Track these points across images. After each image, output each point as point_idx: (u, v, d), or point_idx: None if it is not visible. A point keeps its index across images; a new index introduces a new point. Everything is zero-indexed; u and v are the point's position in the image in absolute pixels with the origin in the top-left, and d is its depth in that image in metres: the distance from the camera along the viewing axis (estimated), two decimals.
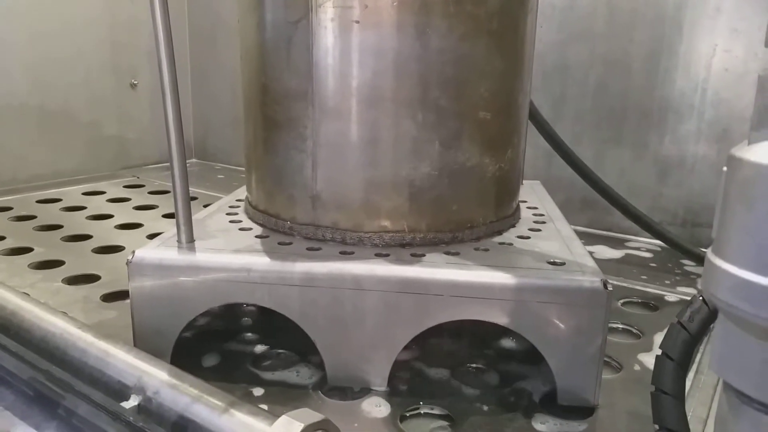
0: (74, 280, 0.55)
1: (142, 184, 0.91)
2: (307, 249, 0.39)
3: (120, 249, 0.63)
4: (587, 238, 0.70)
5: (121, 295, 0.51)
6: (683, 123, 0.66)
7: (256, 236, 0.42)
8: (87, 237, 0.67)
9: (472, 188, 0.42)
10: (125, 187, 0.90)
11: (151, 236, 0.68)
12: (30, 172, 0.88)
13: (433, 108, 0.39)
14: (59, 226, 0.70)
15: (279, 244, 0.41)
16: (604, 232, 0.72)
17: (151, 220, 0.73)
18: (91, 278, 0.55)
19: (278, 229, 0.43)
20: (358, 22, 0.38)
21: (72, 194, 0.84)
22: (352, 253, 0.39)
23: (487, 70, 0.41)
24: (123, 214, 0.76)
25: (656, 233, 0.61)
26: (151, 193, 0.87)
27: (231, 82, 1.03)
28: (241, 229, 0.44)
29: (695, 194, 0.67)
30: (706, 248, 0.59)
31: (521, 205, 0.51)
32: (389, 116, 0.39)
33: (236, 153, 1.06)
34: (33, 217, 0.73)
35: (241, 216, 0.47)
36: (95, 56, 0.94)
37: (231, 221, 0.46)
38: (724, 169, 0.17)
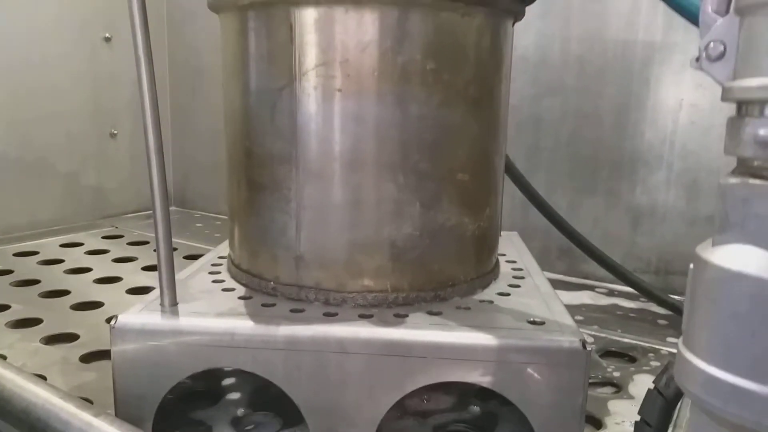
0: (52, 339, 0.54)
1: (121, 234, 0.91)
2: (291, 311, 0.40)
3: (99, 305, 0.63)
4: (565, 286, 0.72)
5: (100, 355, 0.51)
6: (653, 174, 0.69)
7: (240, 297, 0.42)
8: (65, 293, 0.66)
9: (453, 247, 0.43)
10: (104, 237, 0.89)
11: (131, 291, 0.68)
12: (7, 222, 0.87)
13: (413, 171, 0.40)
14: (36, 281, 0.69)
15: (262, 305, 0.41)
16: (582, 280, 0.73)
17: (130, 274, 0.73)
18: (69, 337, 0.55)
19: (261, 289, 0.43)
20: (340, 90, 0.39)
21: (49, 246, 0.83)
22: (336, 314, 0.39)
23: (464, 135, 0.42)
24: (101, 267, 0.75)
25: (631, 283, 0.63)
26: (130, 244, 0.86)
27: (211, 130, 1.04)
28: (224, 290, 0.44)
29: (667, 242, 0.69)
30: (680, 296, 0.60)
31: (500, 258, 0.52)
32: (371, 179, 0.40)
33: (215, 201, 1.07)
34: (10, 272, 0.72)
35: (224, 275, 0.47)
36: (75, 106, 0.95)
37: (214, 281, 0.46)
38: (691, 266, 0.18)
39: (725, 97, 0.20)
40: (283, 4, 0.39)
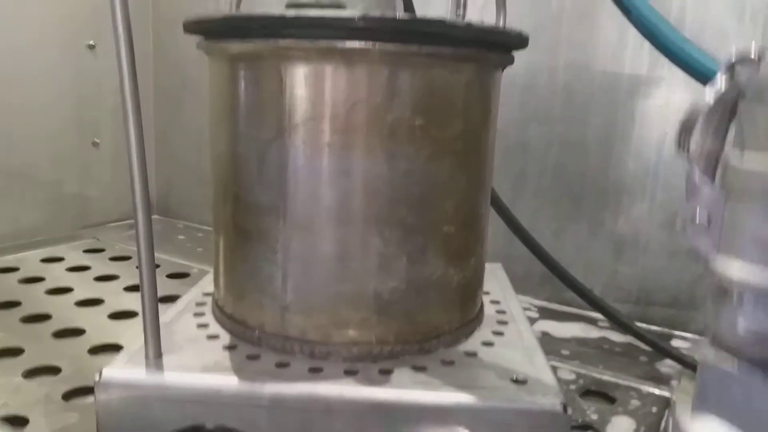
0: (34, 373, 0.54)
1: (103, 248, 0.90)
2: (276, 365, 0.40)
3: (81, 332, 0.62)
4: (546, 313, 0.72)
5: (83, 391, 0.51)
6: (636, 204, 0.69)
7: (225, 347, 0.42)
8: (46, 317, 0.65)
9: (438, 299, 0.43)
10: (85, 252, 0.88)
11: (113, 315, 0.67)
12: None
13: (400, 225, 0.41)
14: (17, 303, 0.68)
15: (248, 357, 0.41)
16: (564, 307, 0.74)
17: (112, 295, 0.72)
18: (51, 370, 0.54)
19: (246, 338, 0.43)
20: (329, 145, 0.39)
21: (30, 261, 0.82)
22: (321, 369, 0.40)
23: (451, 188, 0.42)
24: (83, 286, 0.75)
25: (610, 316, 0.64)
26: (112, 259, 0.85)
27: (195, 140, 1.04)
28: (209, 337, 0.44)
29: (648, 273, 0.70)
30: (658, 326, 0.61)
31: (485, 298, 0.53)
32: (358, 233, 0.40)
33: (199, 211, 1.06)
34: None
35: (209, 317, 0.47)
36: (58, 114, 0.93)
37: (199, 325, 0.46)
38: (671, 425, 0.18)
39: (709, 275, 0.20)
40: (273, 59, 0.38)
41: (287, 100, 0.39)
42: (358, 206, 0.40)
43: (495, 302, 0.53)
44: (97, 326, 0.64)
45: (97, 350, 0.60)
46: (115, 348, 0.60)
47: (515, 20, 0.72)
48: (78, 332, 0.63)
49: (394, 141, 0.39)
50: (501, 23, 0.55)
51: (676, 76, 0.59)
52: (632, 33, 0.56)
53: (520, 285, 0.73)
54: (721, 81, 0.24)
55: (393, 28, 0.36)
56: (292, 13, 0.35)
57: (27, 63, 0.89)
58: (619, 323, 0.64)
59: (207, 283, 0.54)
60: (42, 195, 0.93)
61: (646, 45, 0.64)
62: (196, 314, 0.48)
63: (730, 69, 0.25)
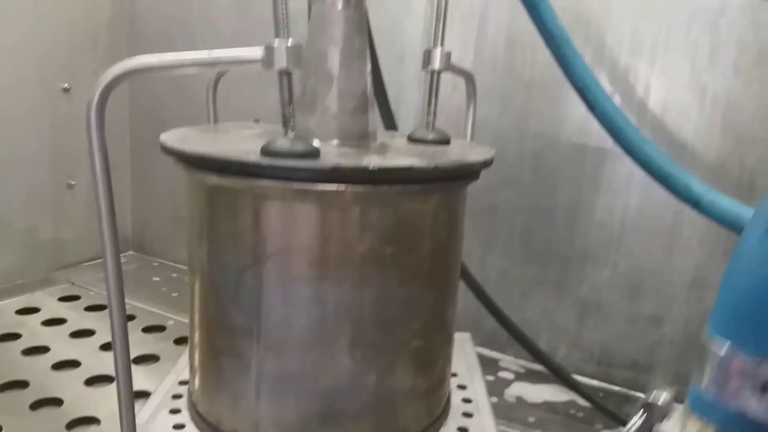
0: None
1: (78, 295, 0.90)
2: None
3: (59, 403, 0.64)
4: (520, 376, 0.75)
5: None
6: (600, 272, 0.72)
7: None
8: (24, 384, 0.66)
9: (407, 406, 0.45)
10: (60, 300, 0.89)
11: (89, 381, 0.68)
12: None
13: (370, 346, 0.42)
14: None
15: None
16: (529, 364, 0.76)
17: (88, 355, 0.73)
18: None
19: None
20: (302, 274, 0.41)
21: (6, 314, 0.83)
22: None
23: (420, 306, 0.44)
24: (59, 343, 0.76)
25: (571, 386, 0.67)
26: (87, 308, 0.86)
27: (172, 177, 1.04)
28: None
29: (610, 337, 0.73)
30: (619, 387, 0.64)
31: (452, 379, 0.55)
32: (329, 355, 0.42)
33: (174, 250, 1.07)
34: None
35: (184, 415, 0.49)
36: (33, 157, 0.93)
37: (175, 426, 0.47)
38: None
39: None
40: (249, 194, 0.40)
41: (262, 232, 0.40)
42: (330, 330, 0.42)
43: (462, 387, 0.56)
44: (75, 395, 0.65)
45: (74, 424, 0.61)
46: (93, 421, 0.61)
47: (487, 91, 0.75)
48: (56, 402, 0.64)
49: (364, 270, 0.41)
50: (471, 115, 0.57)
51: None
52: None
53: (489, 340, 0.76)
54: (636, 420, 0.26)
55: (366, 176, 0.37)
56: (267, 161, 0.37)
57: (5, 107, 0.88)
58: (579, 393, 0.67)
59: (182, 368, 0.56)
60: (17, 240, 0.93)
61: None
62: (172, 410, 0.49)
63: (646, 408, 0.28)
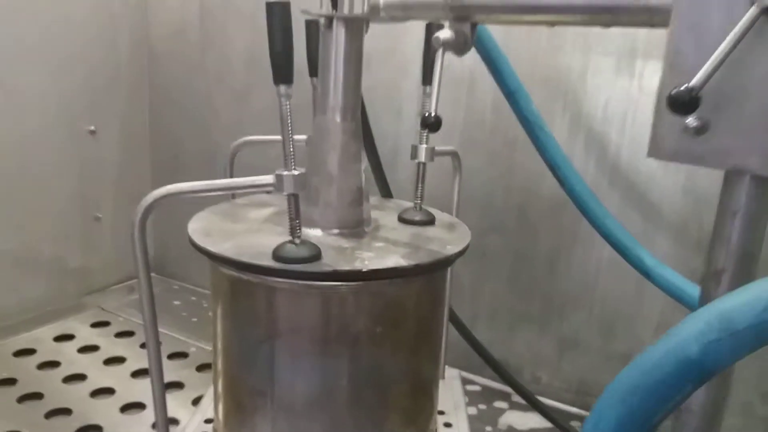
0: None
1: (108, 320, 1.00)
2: None
3: (98, 429, 0.73)
4: (515, 405, 0.83)
5: None
6: (577, 313, 0.80)
7: None
8: (67, 412, 0.76)
9: None
10: (92, 326, 0.98)
11: (124, 408, 0.78)
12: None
13: (365, 406, 0.51)
14: (39, 396, 0.79)
15: None
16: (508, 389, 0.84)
17: (121, 382, 0.82)
18: None
19: None
20: (308, 349, 0.49)
21: (45, 341, 0.92)
22: None
23: (408, 370, 0.53)
24: (95, 371, 0.85)
25: (552, 420, 0.75)
26: (117, 335, 0.95)
27: (192, 205, 1.12)
28: None
29: (587, 371, 0.81)
30: None
31: (439, 418, 0.64)
32: (330, 413, 0.51)
33: (193, 273, 1.16)
34: (13, 381, 0.81)
35: None
36: (62, 195, 1.02)
37: None
38: None
39: None
40: (263, 287, 0.48)
41: (274, 315, 0.49)
42: (331, 394, 0.50)
43: (448, 425, 0.64)
44: (113, 422, 0.75)
45: None
46: None
47: (477, 145, 0.83)
48: (96, 429, 0.73)
49: (358, 346, 0.49)
50: (456, 186, 0.65)
51: (612, 206, 0.70)
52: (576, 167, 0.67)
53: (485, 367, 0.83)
54: None
55: (359, 276, 0.46)
56: (278, 266, 0.45)
57: (34, 151, 0.97)
58: (548, 418, 0.75)
59: (207, 406, 0.65)
60: (48, 269, 1.02)
61: (588, 178, 0.74)
62: None
63: None
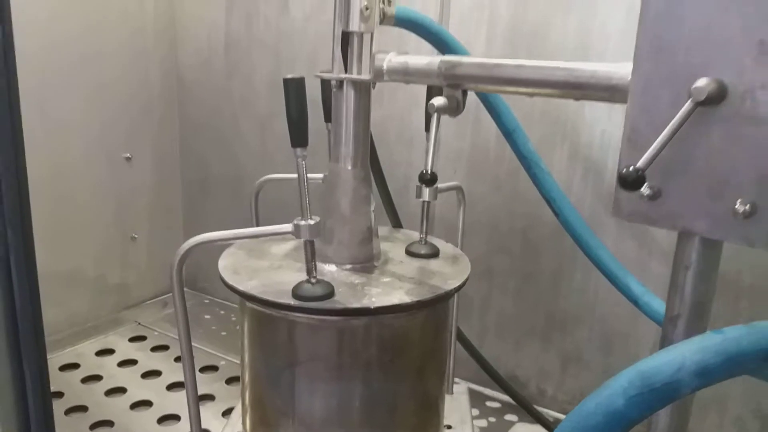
0: None
1: (144, 335, 1.08)
2: None
3: None
4: (508, 411, 0.89)
5: None
6: (578, 331, 0.86)
7: None
8: (109, 423, 0.84)
9: None
10: (131, 340, 1.06)
11: (162, 419, 0.85)
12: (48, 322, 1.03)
13: (376, 424, 0.57)
14: (84, 408, 0.86)
15: None
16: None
17: (158, 396, 0.90)
18: None
19: None
20: (324, 375, 0.56)
21: (87, 356, 1.00)
22: None
23: (415, 392, 0.59)
24: (133, 384, 0.92)
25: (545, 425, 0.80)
26: (153, 349, 1.03)
27: (221, 220, 1.20)
28: None
29: (587, 384, 0.86)
30: None
31: None
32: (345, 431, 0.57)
33: (223, 288, 1.22)
34: (60, 395, 0.89)
35: None
36: (100, 218, 1.10)
37: None
38: None
39: None
40: (284, 320, 0.55)
41: (294, 345, 0.55)
42: (345, 414, 0.57)
43: None
44: None
45: None
46: None
47: (482, 172, 0.88)
48: None
49: (369, 372, 0.56)
50: (461, 219, 0.71)
51: (606, 235, 0.75)
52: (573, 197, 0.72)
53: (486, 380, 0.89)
54: None
55: (367, 312, 0.52)
56: (296, 303, 0.52)
57: (77, 179, 1.05)
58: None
59: (236, 420, 0.72)
60: (89, 287, 1.11)
61: (586, 204, 0.80)
62: None
63: None
